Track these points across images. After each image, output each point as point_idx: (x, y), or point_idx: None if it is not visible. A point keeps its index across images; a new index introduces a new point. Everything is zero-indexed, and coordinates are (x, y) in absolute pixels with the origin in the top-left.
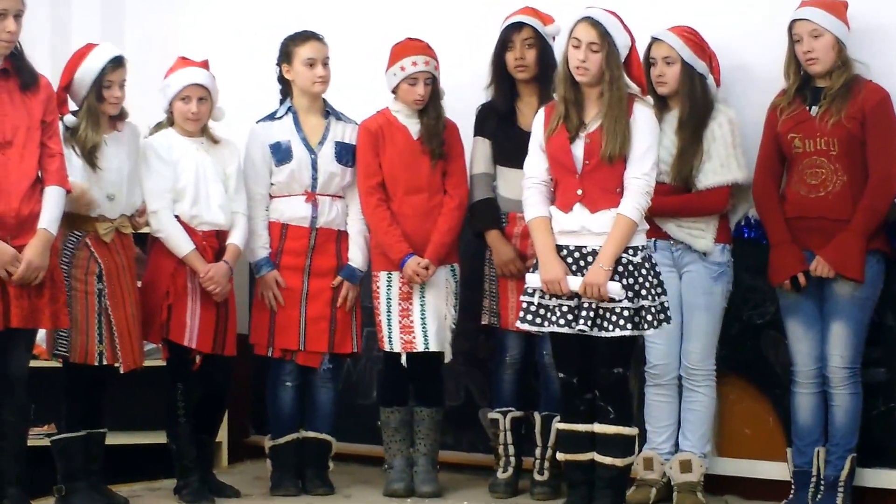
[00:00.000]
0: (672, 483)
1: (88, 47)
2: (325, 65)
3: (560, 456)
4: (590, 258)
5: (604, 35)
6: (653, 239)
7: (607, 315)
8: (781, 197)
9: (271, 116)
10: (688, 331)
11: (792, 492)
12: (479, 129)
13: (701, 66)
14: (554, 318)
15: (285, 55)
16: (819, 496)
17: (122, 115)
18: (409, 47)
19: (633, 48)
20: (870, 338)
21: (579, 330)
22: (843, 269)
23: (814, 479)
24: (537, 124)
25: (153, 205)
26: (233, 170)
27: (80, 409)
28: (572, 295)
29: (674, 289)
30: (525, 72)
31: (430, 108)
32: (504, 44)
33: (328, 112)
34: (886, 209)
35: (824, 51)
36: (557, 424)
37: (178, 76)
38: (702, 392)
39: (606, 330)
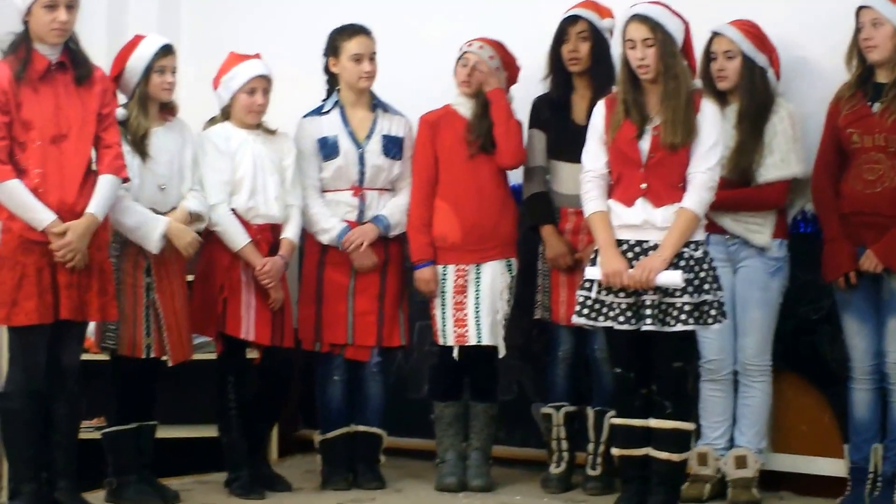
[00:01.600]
0: (727, 479)
1: (137, 38)
2: (372, 59)
3: (615, 451)
4: (651, 252)
5: (654, 28)
6: (706, 233)
7: (669, 310)
8: (838, 192)
9: (318, 111)
10: (743, 326)
11: (848, 488)
12: (535, 121)
13: (762, 59)
14: (612, 315)
15: (332, 49)
16: (876, 493)
17: (172, 109)
18: (477, 38)
19: (686, 31)
20: None
21: (645, 329)
22: (892, 263)
23: (871, 476)
24: (597, 117)
25: (212, 198)
26: (289, 162)
27: (130, 401)
28: (631, 291)
29: (727, 284)
30: (578, 65)
31: (483, 104)
32: (560, 36)
33: (375, 105)
34: None
35: (883, 40)
36: (612, 420)
37: (244, 68)
38: (757, 388)
39: (668, 325)
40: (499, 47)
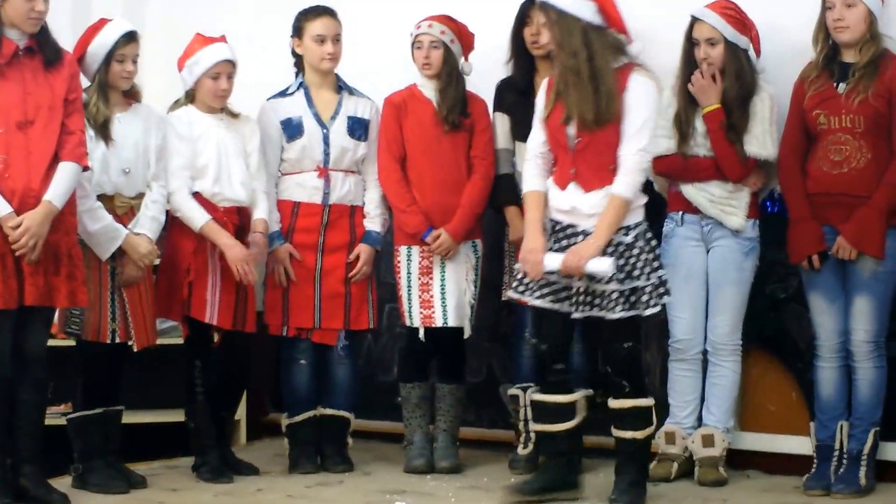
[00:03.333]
0: (694, 457)
1: (102, 22)
2: (337, 41)
3: (534, 427)
4: (580, 238)
5: (546, 10)
6: (681, 212)
7: (602, 300)
8: (804, 172)
9: (283, 93)
10: (715, 305)
11: (814, 466)
12: (498, 105)
13: (743, 41)
14: (541, 292)
15: (297, 30)
16: (842, 470)
17: (136, 94)
18: (424, 18)
19: (607, 4)
20: (894, 311)
21: (578, 317)
22: (864, 246)
23: (836, 453)
24: (540, 97)
25: (171, 184)
26: (254, 146)
27: (96, 387)
28: (549, 274)
29: (700, 264)
30: (542, 48)
31: (445, 77)
32: (522, 19)
33: (341, 87)
34: None
35: (855, 21)
36: (532, 395)
37: (209, 53)
38: (727, 367)
39: (608, 310)
40: (447, 20)
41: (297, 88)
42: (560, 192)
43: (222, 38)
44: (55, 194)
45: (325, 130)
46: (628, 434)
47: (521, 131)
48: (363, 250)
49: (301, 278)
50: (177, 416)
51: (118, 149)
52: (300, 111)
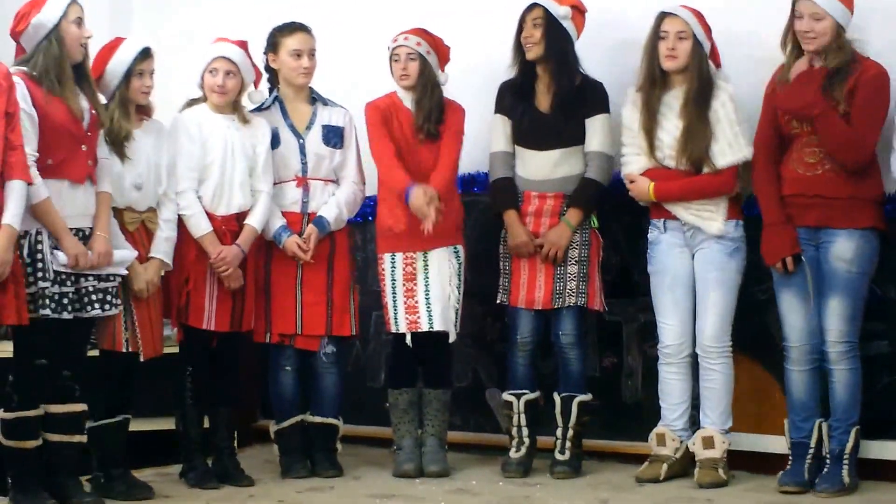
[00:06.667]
0: (696, 459)
1: (118, 40)
2: (312, 56)
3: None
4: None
5: None
6: (663, 219)
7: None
8: (779, 174)
9: (259, 108)
10: (703, 308)
11: (789, 463)
12: (499, 107)
13: (707, 45)
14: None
15: (272, 45)
16: (825, 469)
17: (148, 110)
18: (400, 31)
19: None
20: (873, 312)
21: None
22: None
23: (812, 451)
24: None
25: (181, 185)
26: (262, 149)
27: (113, 395)
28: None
29: (685, 269)
30: (531, 50)
31: (421, 88)
32: (520, 24)
33: (314, 99)
34: (852, 160)
35: (822, 31)
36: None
37: (210, 49)
38: (718, 370)
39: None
40: (423, 33)
41: (273, 102)
42: None
43: (240, 42)
44: (13, 216)
45: (300, 140)
46: (66, 438)
47: (519, 136)
48: (311, 230)
49: (282, 287)
50: (166, 424)
51: (131, 165)
52: (276, 123)
